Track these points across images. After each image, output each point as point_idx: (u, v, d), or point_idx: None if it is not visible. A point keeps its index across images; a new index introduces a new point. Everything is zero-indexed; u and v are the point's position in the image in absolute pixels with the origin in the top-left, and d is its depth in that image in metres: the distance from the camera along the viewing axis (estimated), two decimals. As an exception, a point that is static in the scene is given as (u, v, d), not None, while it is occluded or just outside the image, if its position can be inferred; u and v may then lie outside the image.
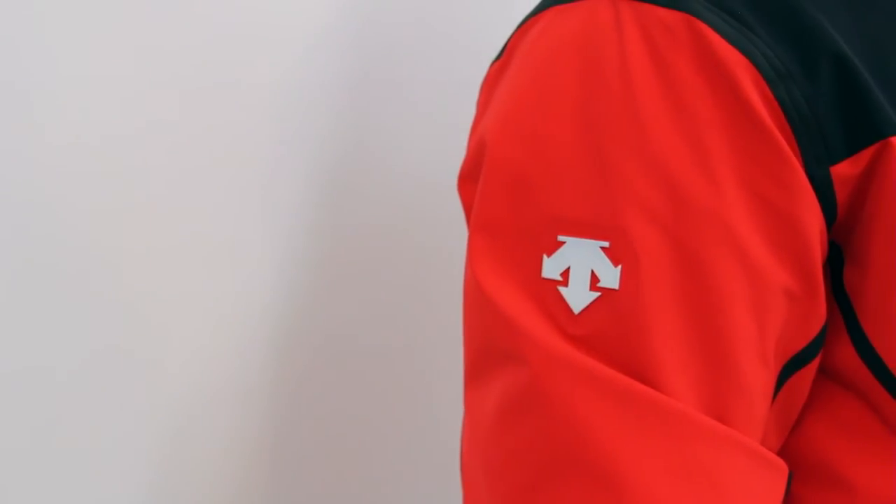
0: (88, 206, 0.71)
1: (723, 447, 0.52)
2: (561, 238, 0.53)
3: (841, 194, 0.53)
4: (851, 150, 0.53)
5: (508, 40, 0.60)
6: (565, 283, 0.53)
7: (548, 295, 0.53)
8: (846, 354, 0.56)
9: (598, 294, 0.52)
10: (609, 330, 0.52)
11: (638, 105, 0.52)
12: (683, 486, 0.51)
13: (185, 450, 0.79)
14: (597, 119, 0.53)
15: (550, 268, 0.53)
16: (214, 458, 0.82)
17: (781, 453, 0.59)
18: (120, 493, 0.76)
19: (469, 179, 0.59)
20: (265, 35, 0.79)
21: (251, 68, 0.79)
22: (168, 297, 0.77)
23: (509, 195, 0.54)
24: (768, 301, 0.52)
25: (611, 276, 0.52)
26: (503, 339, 0.54)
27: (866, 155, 0.53)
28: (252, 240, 0.81)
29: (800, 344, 0.55)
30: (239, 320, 0.82)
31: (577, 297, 0.52)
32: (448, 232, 0.87)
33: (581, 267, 0.52)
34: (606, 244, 0.52)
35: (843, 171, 0.53)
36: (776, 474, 0.54)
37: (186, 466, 0.80)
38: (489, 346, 0.55)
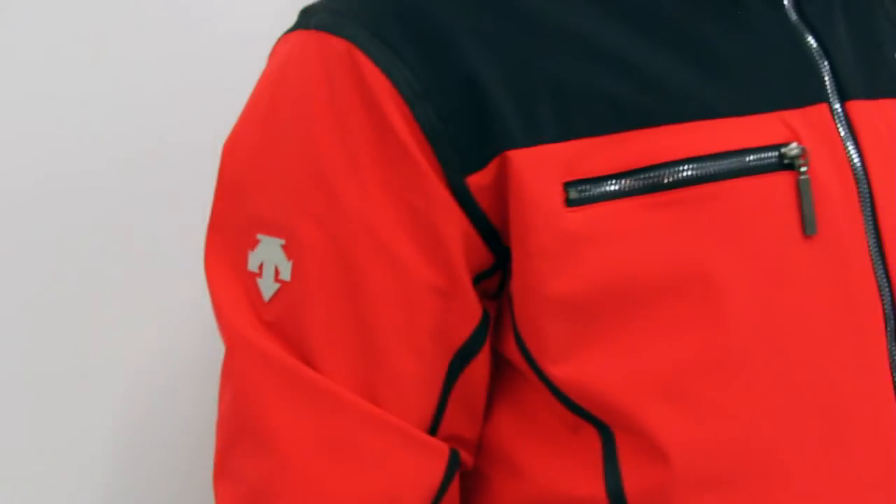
0: (55, 209, 0.80)
1: (367, 424, 0.59)
2: (258, 236, 0.61)
3: (483, 202, 0.58)
4: (482, 162, 0.58)
5: None
6: (261, 275, 0.61)
7: (251, 285, 0.61)
8: (514, 349, 0.61)
9: (279, 286, 0.60)
10: (284, 317, 0.60)
11: (311, 120, 0.59)
12: (330, 456, 0.59)
13: (144, 442, 0.86)
14: (282, 132, 0.61)
15: (253, 262, 0.62)
16: (173, 450, 0.88)
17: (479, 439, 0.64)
18: (78, 486, 0.83)
19: None
20: (250, 39, 0.83)
21: (235, 74, 0.82)
22: (134, 296, 0.85)
23: (228, 197, 0.63)
24: (416, 297, 0.59)
25: (286, 270, 0.60)
26: (218, 323, 0.63)
27: (493, 167, 0.58)
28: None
29: (461, 337, 0.60)
30: (199, 320, 0.86)
31: (267, 287, 0.61)
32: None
33: (269, 261, 0.61)
34: (283, 241, 0.60)
35: (478, 181, 0.58)
36: (430, 454, 0.60)
37: (144, 459, 0.86)
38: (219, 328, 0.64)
